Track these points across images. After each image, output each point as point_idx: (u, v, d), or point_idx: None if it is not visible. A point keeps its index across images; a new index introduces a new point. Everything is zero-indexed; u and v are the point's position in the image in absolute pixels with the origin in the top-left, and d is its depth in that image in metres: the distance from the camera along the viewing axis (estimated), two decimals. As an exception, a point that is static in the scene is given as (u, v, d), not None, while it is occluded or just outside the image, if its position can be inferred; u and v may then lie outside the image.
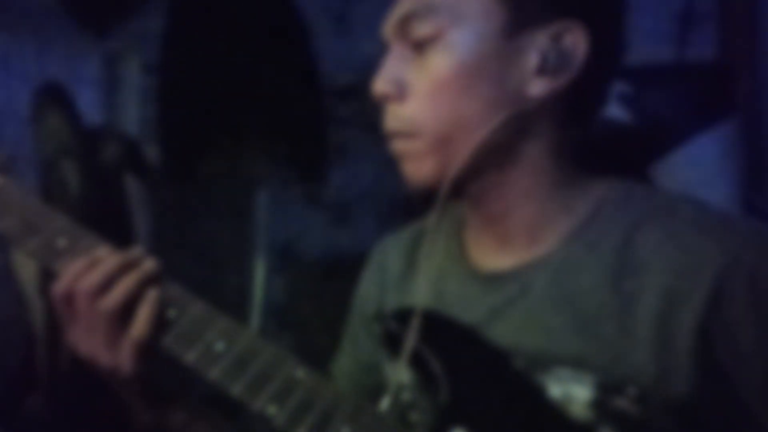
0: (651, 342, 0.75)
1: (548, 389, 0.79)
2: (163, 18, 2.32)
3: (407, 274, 0.95)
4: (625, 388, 0.76)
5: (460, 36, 0.80)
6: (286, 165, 2.53)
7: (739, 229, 0.79)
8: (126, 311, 0.84)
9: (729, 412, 0.76)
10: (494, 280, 0.85)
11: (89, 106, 2.12)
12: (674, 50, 1.85)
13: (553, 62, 0.80)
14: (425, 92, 0.82)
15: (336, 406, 0.82)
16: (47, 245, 0.87)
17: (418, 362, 0.84)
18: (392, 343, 0.88)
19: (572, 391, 0.78)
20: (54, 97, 1.90)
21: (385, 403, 0.86)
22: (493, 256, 0.87)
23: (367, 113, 0.93)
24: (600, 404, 0.76)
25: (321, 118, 2.47)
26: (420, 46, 0.82)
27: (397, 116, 0.84)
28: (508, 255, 0.85)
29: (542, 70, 0.80)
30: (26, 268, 1.64)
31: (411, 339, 0.84)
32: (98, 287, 0.84)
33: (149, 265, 0.87)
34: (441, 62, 0.81)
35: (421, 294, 0.89)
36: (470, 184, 0.84)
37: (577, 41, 0.80)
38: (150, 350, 0.85)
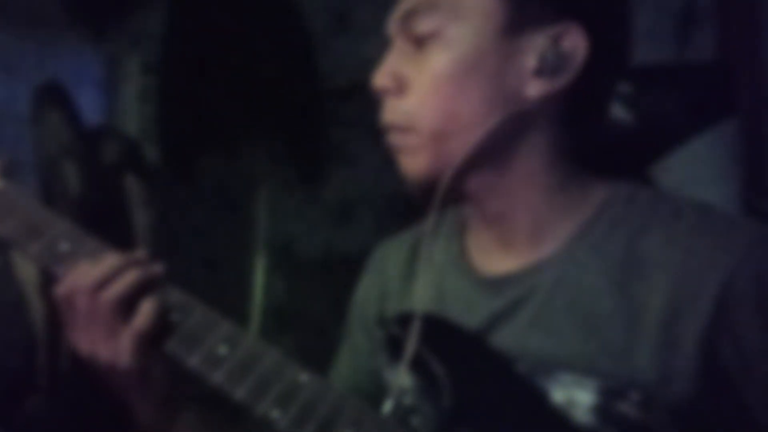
0: (656, 346, 0.75)
1: (551, 394, 0.79)
2: (163, 18, 2.32)
3: (408, 279, 0.94)
4: (628, 393, 0.76)
5: (459, 33, 0.81)
6: (286, 165, 2.52)
7: (744, 233, 0.78)
8: (127, 306, 0.84)
9: (733, 417, 0.76)
10: (497, 283, 0.85)
11: (89, 106, 2.12)
12: (674, 50, 1.84)
13: (551, 64, 0.80)
14: (423, 87, 0.82)
15: (339, 410, 0.82)
16: (49, 249, 0.87)
17: (420, 367, 0.84)
18: (395, 348, 0.88)
19: (575, 396, 0.77)
20: (54, 97, 1.90)
21: (386, 408, 0.86)
22: (495, 259, 0.87)
23: (368, 113, 0.93)
24: (603, 409, 0.76)
25: (321, 118, 2.47)
26: (421, 42, 0.83)
27: (395, 110, 0.84)
28: (510, 258, 0.85)
29: (540, 71, 0.80)
30: (26, 269, 1.64)
31: (413, 343, 0.84)
32: (100, 281, 0.84)
33: (152, 267, 0.87)
34: (440, 58, 0.81)
35: (422, 298, 0.89)
36: (468, 184, 0.84)
37: (576, 43, 0.80)
38: (150, 350, 0.85)
